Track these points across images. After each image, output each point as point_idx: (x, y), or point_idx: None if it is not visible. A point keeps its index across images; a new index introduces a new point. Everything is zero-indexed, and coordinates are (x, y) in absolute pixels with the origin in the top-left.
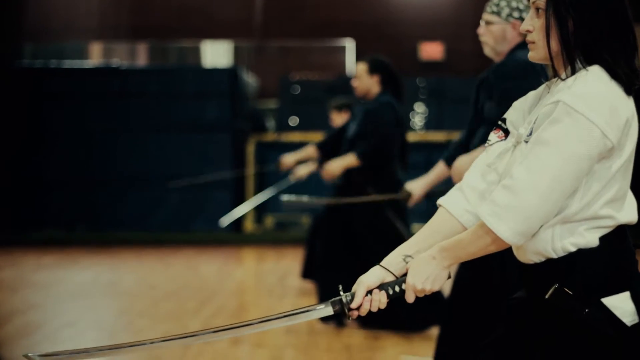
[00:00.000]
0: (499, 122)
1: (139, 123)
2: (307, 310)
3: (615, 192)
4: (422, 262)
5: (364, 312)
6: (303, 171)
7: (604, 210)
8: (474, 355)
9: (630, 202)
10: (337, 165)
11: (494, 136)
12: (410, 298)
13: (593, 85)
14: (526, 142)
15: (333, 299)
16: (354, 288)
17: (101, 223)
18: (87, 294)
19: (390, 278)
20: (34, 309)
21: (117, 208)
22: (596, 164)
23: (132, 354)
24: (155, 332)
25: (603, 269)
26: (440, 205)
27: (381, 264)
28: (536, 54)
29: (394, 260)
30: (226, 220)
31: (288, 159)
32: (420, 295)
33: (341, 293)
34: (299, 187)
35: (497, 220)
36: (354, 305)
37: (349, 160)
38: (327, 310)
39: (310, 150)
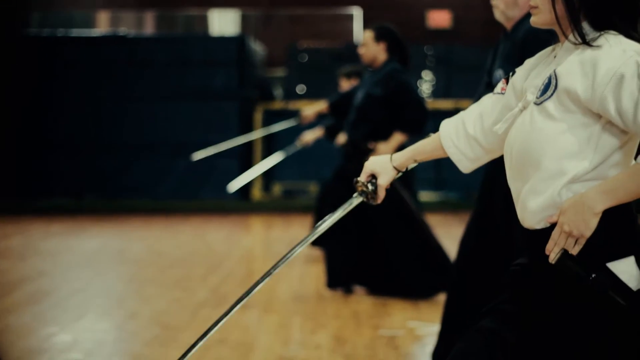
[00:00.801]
0: (510, 74)
1: (147, 91)
2: (344, 208)
3: (624, 155)
4: (573, 201)
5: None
6: (309, 137)
7: (611, 171)
8: (476, 320)
9: None
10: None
11: (499, 86)
12: (556, 234)
13: (633, 43)
14: (537, 104)
15: (358, 193)
16: (365, 175)
17: (109, 191)
18: (95, 262)
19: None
20: (43, 276)
21: (125, 176)
22: (614, 126)
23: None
24: (163, 299)
25: (607, 233)
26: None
27: (393, 163)
28: (538, 18)
29: (404, 162)
30: (234, 186)
31: (308, 112)
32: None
33: (365, 185)
34: (306, 154)
35: None
36: (379, 201)
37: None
38: (357, 200)
39: (324, 105)
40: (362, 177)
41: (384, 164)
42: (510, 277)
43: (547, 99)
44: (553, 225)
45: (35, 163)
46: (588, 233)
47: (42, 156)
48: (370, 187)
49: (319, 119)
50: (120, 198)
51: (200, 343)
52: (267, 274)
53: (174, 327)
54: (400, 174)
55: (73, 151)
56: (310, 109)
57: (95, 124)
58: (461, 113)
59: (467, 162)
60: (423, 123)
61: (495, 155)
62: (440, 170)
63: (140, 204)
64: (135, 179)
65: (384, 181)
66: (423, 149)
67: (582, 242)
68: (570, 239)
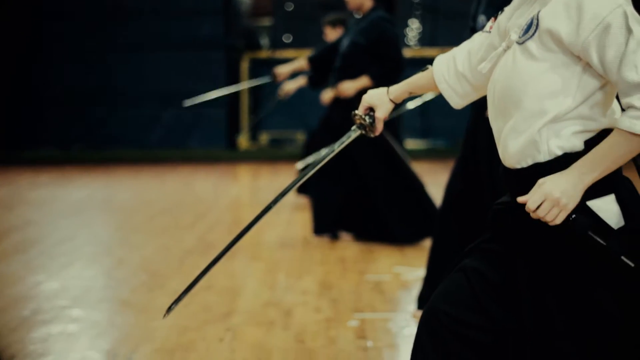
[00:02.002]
0: (499, 12)
1: (133, 41)
2: (342, 141)
3: (605, 94)
4: (564, 176)
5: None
6: (291, 86)
7: (593, 111)
8: (459, 259)
9: (615, 109)
10: (352, 87)
11: (488, 25)
12: (534, 204)
13: None
14: (519, 43)
15: (357, 126)
16: (363, 108)
17: (97, 141)
18: (83, 211)
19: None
20: (31, 225)
21: (112, 126)
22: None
23: None
24: (150, 246)
25: None
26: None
27: (390, 96)
28: None
29: (400, 95)
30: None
31: (282, 69)
32: (549, 209)
33: (363, 118)
34: (293, 103)
35: None
36: (377, 133)
37: (363, 82)
38: (355, 133)
39: (302, 62)
40: (360, 110)
41: (380, 97)
42: (492, 216)
43: (529, 39)
44: (534, 164)
45: (23, 114)
46: (566, 201)
47: (30, 107)
48: (368, 119)
49: (295, 75)
50: (107, 148)
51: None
52: (267, 208)
53: (161, 273)
54: (395, 106)
55: (60, 101)
56: (286, 66)
57: (83, 74)
58: (454, 49)
59: (457, 98)
60: (395, 78)
61: (484, 93)
62: (427, 118)
63: (128, 154)
64: (123, 129)
65: (381, 113)
66: (418, 83)
67: (563, 214)
68: (555, 209)
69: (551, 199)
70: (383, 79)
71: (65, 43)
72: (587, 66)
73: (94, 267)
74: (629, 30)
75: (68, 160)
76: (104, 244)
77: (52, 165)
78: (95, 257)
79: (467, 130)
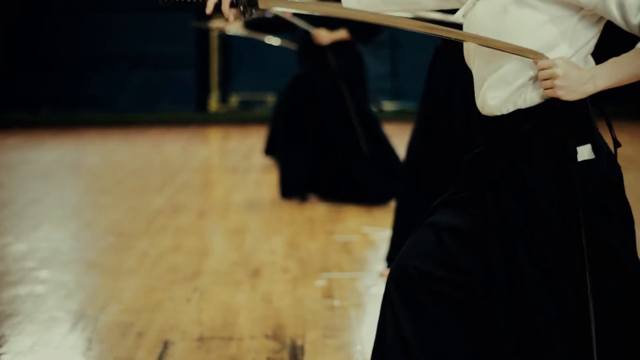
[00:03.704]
0: None
1: (101, 3)
2: None
3: (592, 48)
4: (579, 71)
5: None
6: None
7: (580, 62)
8: (427, 215)
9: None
10: (328, 36)
11: None
12: (542, 65)
13: None
14: None
15: None
16: None
17: (66, 104)
18: (52, 174)
19: None
20: (0, 188)
21: (82, 89)
22: (592, 17)
23: None
24: (119, 208)
25: (568, 120)
26: None
27: None
28: None
29: None
30: None
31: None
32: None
33: None
34: (263, 64)
35: None
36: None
37: (340, 34)
38: None
39: None
40: None
41: None
42: (466, 164)
43: None
44: (516, 111)
45: None
46: (562, 84)
47: None
48: None
49: None
50: (77, 111)
51: None
52: None
53: (129, 234)
54: None
55: (30, 64)
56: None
57: (52, 37)
58: None
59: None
60: (377, 32)
61: (390, 9)
62: (397, 79)
63: (97, 117)
64: (92, 91)
65: None
66: None
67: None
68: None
69: (552, 71)
70: (362, 32)
71: (34, 6)
72: (582, 19)
73: (62, 229)
74: None
75: (37, 123)
76: (72, 206)
77: (21, 128)
78: (64, 220)
79: (428, 88)
